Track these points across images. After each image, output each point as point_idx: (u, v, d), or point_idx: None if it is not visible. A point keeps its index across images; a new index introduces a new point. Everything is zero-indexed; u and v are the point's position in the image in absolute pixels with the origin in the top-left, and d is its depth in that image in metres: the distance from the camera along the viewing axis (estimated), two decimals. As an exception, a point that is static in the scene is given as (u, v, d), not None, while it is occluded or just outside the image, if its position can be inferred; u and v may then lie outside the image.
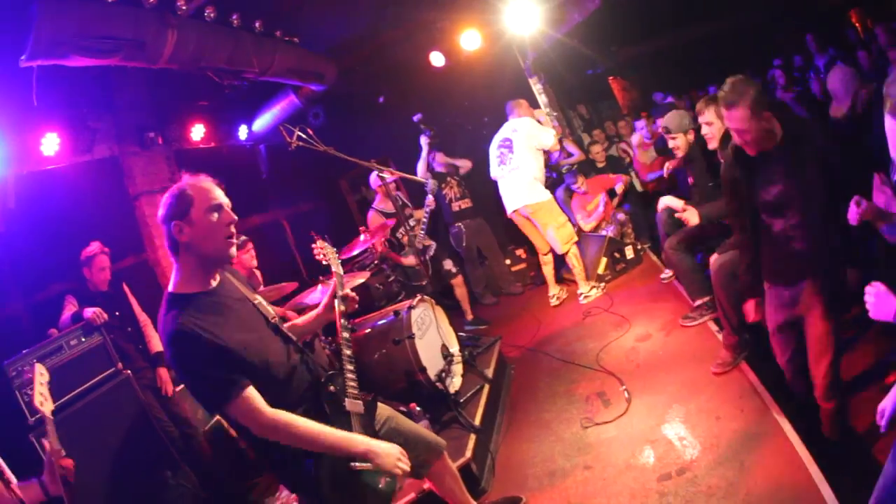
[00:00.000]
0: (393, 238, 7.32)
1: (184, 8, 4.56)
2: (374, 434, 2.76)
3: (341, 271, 3.32)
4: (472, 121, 8.64)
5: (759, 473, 3.24)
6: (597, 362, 5.41)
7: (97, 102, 6.06)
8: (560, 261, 7.54)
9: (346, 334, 2.96)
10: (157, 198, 6.58)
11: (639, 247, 8.06)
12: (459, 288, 7.92)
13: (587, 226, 8.27)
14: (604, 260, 7.64)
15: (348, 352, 2.89)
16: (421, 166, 8.06)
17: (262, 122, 7.59)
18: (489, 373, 5.38)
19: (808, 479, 3.03)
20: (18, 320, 5.63)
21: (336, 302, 3.05)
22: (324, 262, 3.59)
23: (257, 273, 5.75)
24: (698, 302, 5.46)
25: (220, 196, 2.52)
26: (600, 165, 9.35)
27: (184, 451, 5.06)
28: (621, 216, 8.25)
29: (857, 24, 12.71)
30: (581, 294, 7.19)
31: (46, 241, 5.57)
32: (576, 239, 7.18)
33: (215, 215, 2.47)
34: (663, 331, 5.59)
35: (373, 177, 7.44)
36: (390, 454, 2.53)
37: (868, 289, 2.28)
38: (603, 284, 7.35)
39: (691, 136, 5.39)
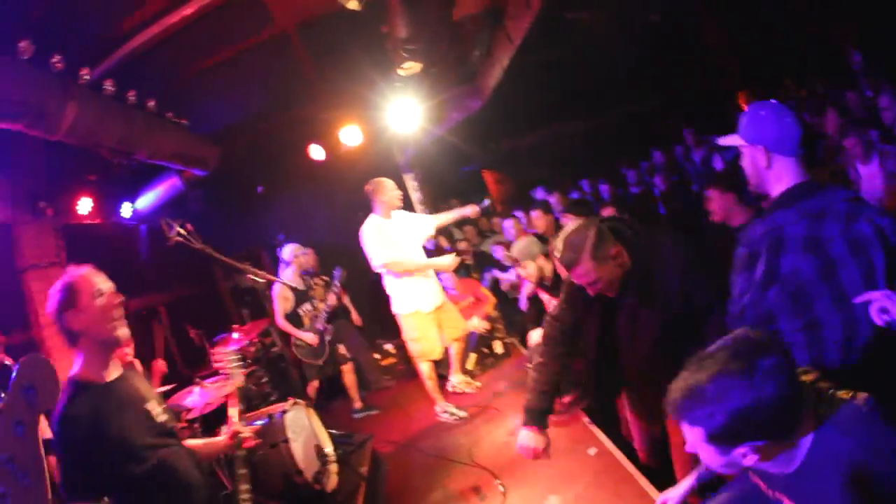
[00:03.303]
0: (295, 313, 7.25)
1: (87, 77, 4.50)
2: None
3: (241, 382, 3.30)
4: (347, 216, 8.71)
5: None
6: (470, 457, 5.45)
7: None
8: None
9: (241, 453, 2.96)
10: (45, 272, 6.26)
11: (507, 341, 8.27)
12: (349, 375, 7.76)
13: None
14: (473, 356, 7.76)
15: (243, 471, 2.88)
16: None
17: (146, 201, 7.39)
18: (364, 471, 5.34)
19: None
20: None
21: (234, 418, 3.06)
22: (222, 371, 3.47)
23: (136, 364, 5.52)
24: (566, 399, 5.62)
25: (101, 281, 2.66)
26: (468, 262, 9.46)
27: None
28: (493, 312, 8.41)
29: (745, 106, 13.63)
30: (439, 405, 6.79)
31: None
32: (432, 356, 6.51)
33: (101, 300, 2.61)
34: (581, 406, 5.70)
35: (287, 249, 7.38)
36: None
37: None
38: (477, 384, 7.27)
39: (542, 261, 5.50)
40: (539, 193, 11.18)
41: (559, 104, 14.09)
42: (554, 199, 9.90)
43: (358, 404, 7.77)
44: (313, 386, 7.71)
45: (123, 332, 2.66)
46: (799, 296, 2.30)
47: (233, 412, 3.15)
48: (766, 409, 1.67)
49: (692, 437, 1.82)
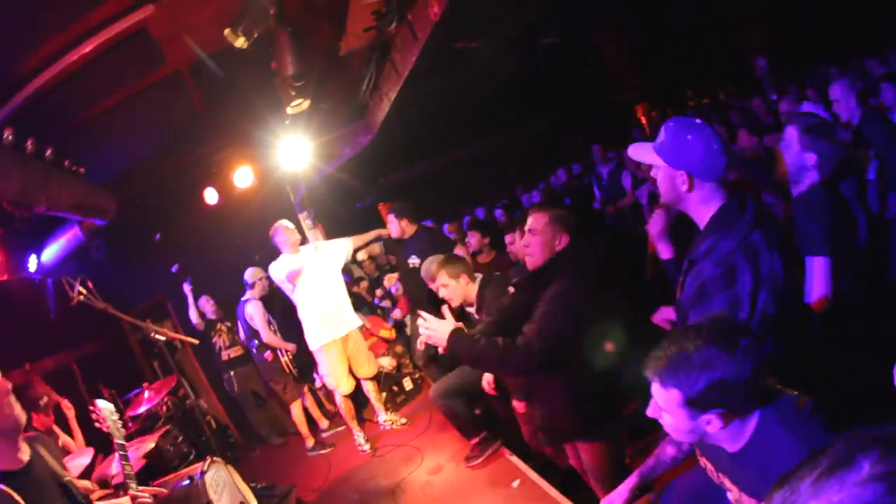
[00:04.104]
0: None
1: (-13, 128, 4.26)
2: None
3: (123, 440, 3.21)
4: (244, 259, 8.56)
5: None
6: (394, 500, 5.48)
7: None
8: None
9: None
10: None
11: (417, 376, 8.27)
12: (297, 408, 7.70)
13: None
14: (384, 395, 7.74)
15: None
16: (193, 314, 8.01)
17: (50, 253, 7.00)
18: (292, 523, 5.23)
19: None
20: None
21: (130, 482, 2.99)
22: (104, 431, 3.34)
23: (55, 431, 5.28)
24: (475, 440, 5.67)
25: None
26: (369, 299, 9.43)
27: None
28: (399, 348, 8.41)
29: (642, 119, 14.00)
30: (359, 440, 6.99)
31: None
32: (343, 390, 6.75)
33: None
34: (454, 461, 5.81)
35: (249, 272, 7.51)
36: None
37: None
38: (403, 420, 7.29)
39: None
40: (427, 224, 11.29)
41: (453, 132, 14.28)
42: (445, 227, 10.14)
43: (309, 443, 7.65)
44: (298, 407, 7.70)
45: (20, 412, 2.46)
46: (779, 294, 2.39)
47: (127, 473, 3.02)
48: (741, 383, 1.87)
49: (666, 401, 1.99)
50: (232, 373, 8.00)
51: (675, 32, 13.21)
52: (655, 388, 2.02)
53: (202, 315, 8.05)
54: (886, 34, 8.26)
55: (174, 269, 7.95)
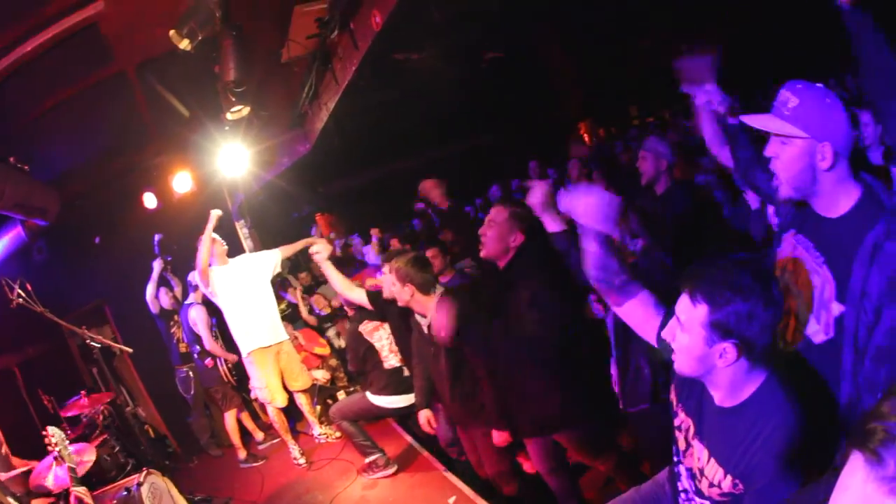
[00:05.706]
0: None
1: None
2: None
3: (74, 464, 3.21)
4: (183, 265, 8.44)
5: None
6: (330, 514, 5.48)
7: None
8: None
9: None
10: None
11: (351, 389, 8.25)
12: (231, 418, 7.64)
13: None
14: (318, 408, 7.75)
15: None
16: (150, 289, 7.79)
17: None
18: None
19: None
20: None
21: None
22: (55, 455, 3.32)
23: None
24: (369, 459, 5.88)
25: None
26: (304, 310, 9.29)
27: None
28: (332, 361, 8.37)
29: (585, 136, 13.95)
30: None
31: None
32: (276, 403, 6.73)
33: None
34: (389, 476, 5.83)
35: (192, 274, 7.29)
36: None
37: None
38: (338, 433, 7.15)
39: None
40: (356, 239, 11.27)
41: (392, 143, 14.25)
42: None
43: (241, 454, 7.56)
44: (232, 416, 7.66)
45: None
46: None
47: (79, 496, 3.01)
48: (765, 324, 1.87)
49: (690, 317, 1.96)
50: (188, 369, 7.87)
51: (620, 50, 13.36)
52: (683, 303, 1.99)
53: (158, 303, 7.89)
54: (836, 59, 8.51)
55: (156, 239, 7.83)
